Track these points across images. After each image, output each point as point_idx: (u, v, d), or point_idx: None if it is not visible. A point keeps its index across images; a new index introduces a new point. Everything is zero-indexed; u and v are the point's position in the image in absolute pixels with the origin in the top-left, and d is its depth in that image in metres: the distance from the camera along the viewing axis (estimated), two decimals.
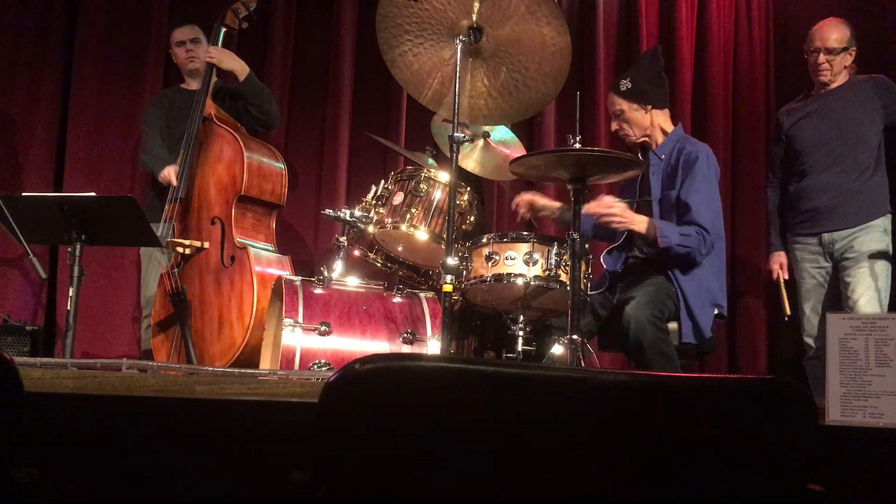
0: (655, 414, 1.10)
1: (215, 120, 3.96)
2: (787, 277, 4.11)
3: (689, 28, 5.17)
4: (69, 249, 3.18)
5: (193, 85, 4.27)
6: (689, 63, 5.12)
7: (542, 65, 2.99)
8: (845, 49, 3.98)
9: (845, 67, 4.02)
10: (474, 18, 2.87)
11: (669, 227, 3.26)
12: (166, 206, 3.86)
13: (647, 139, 3.57)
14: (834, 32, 3.98)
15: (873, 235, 3.85)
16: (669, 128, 3.57)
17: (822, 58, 3.98)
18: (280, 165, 3.99)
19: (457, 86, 2.78)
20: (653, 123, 3.54)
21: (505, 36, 2.93)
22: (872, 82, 3.99)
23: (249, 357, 3.53)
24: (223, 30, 4.15)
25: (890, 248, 3.87)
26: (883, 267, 3.82)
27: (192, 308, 3.77)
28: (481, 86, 3.09)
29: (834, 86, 4.02)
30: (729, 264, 5.05)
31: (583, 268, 2.94)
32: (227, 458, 1.87)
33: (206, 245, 3.78)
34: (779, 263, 4.13)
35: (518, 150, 3.76)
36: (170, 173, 3.91)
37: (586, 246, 2.97)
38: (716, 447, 1.11)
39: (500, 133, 3.76)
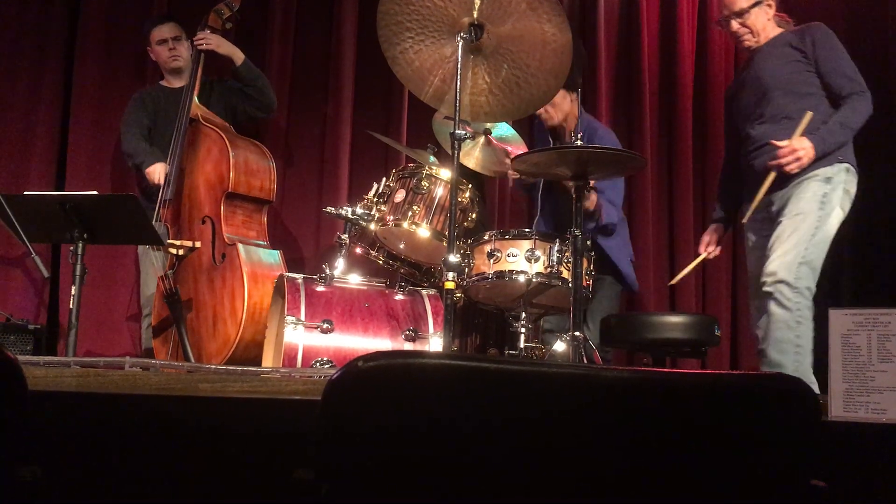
0: (658, 410, 1.10)
1: (202, 121, 4.00)
2: (710, 255, 3.77)
3: (690, 26, 5.16)
4: (71, 248, 3.18)
5: (176, 83, 4.29)
6: (690, 61, 5.12)
7: (543, 62, 2.98)
8: (756, 4, 3.51)
9: (769, 20, 3.55)
10: (475, 15, 2.87)
11: (608, 206, 3.72)
12: (157, 209, 3.87)
13: (564, 123, 3.84)
14: None
15: (810, 184, 3.31)
16: (576, 110, 3.76)
17: (734, 25, 3.55)
18: (268, 162, 4.02)
19: (458, 83, 2.78)
20: (570, 108, 3.81)
21: (506, 33, 2.92)
22: (801, 31, 3.50)
23: (244, 353, 3.55)
24: (207, 31, 4.17)
25: (832, 200, 3.31)
26: (812, 218, 3.28)
27: (187, 307, 3.79)
28: (482, 83, 3.08)
29: (762, 43, 3.56)
30: (731, 262, 5.06)
31: (585, 264, 2.94)
32: (231, 456, 1.87)
33: (198, 245, 3.80)
34: (707, 240, 3.76)
35: (520, 147, 3.75)
36: (157, 171, 3.92)
37: (588, 242, 2.97)
38: (719, 443, 1.11)
39: (502, 130, 3.76)
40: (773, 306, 3.18)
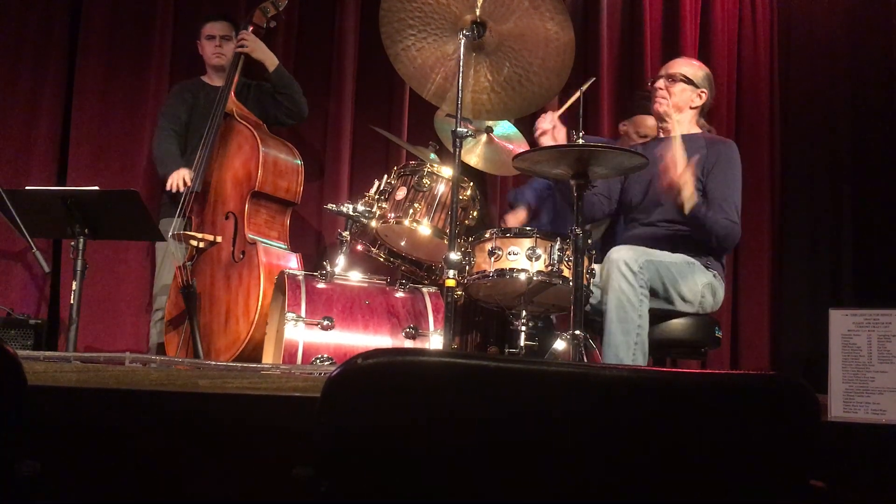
0: (657, 410, 1.10)
1: (236, 116, 4.00)
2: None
3: (693, 23, 5.16)
4: (72, 243, 3.19)
5: (216, 80, 4.31)
6: (692, 57, 5.11)
7: (545, 60, 2.98)
8: (688, 81, 3.53)
9: (690, 109, 3.55)
10: (478, 13, 2.87)
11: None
12: (183, 200, 3.88)
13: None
14: (685, 66, 3.59)
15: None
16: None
17: (660, 82, 3.55)
18: (297, 162, 4.03)
19: (460, 80, 2.78)
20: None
21: (508, 31, 2.92)
22: (713, 141, 3.50)
23: (253, 352, 3.55)
24: (250, 28, 4.19)
25: (705, 281, 3.32)
26: (682, 260, 3.31)
27: (201, 302, 3.79)
28: (484, 81, 3.08)
29: (673, 127, 3.51)
30: (732, 260, 5.06)
31: (586, 263, 2.93)
32: (230, 453, 1.87)
33: (219, 239, 3.81)
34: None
35: (521, 145, 3.75)
36: (177, 179, 3.92)
37: (589, 241, 2.97)
38: (718, 443, 1.11)
39: (504, 128, 3.76)
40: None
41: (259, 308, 3.58)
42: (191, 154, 4.07)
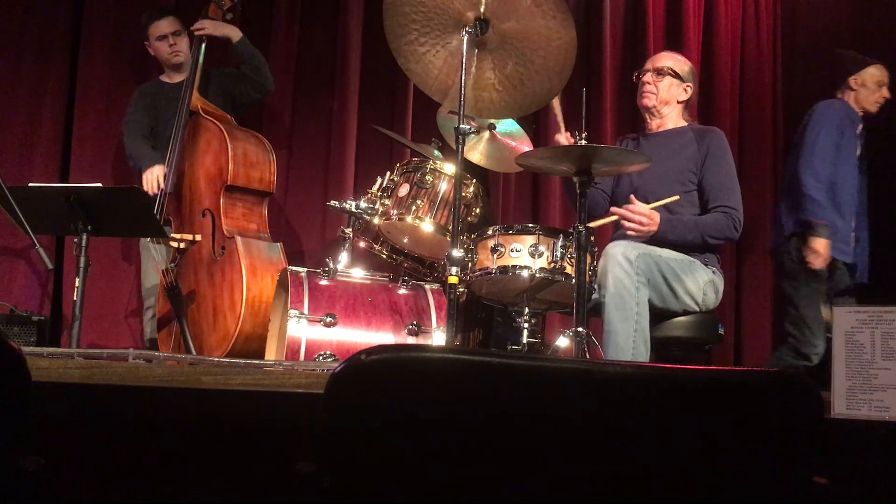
0: (661, 406, 1.10)
1: (202, 113, 4.00)
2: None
3: (696, 20, 5.14)
4: (75, 240, 3.19)
5: (176, 78, 4.29)
6: (696, 56, 5.10)
7: (547, 59, 2.98)
8: (675, 76, 3.58)
9: (678, 104, 3.62)
10: (481, 10, 2.86)
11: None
12: (158, 203, 3.87)
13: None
14: (671, 60, 3.65)
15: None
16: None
17: (648, 76, 3.61)
18: (267, 153, 4.03)
19: (462, 77, 2.77)
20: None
21: (511, 29, 2.92)
22: (702, 133, 3.56)
23: (244, 346, 3.55)
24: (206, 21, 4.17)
25: (706, 279, 3.38)
26: (683, 259, 3.38)
27: (188, 301, 3.80)
28: (486, 79, 3.07)
29: (662, 118, 3.63)
30: (734, 257, 5.06)
31: (588, 260, 2.93)
32: (233, 449, 1.88)
33: (199, 238, 3.81)
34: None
35: (524, 143, 3.75)
36: (152, 175, 3.90)
37: (591, 238, 2.97)
38: (721, 439, 1.11)
39: (507, 125, 3.76)
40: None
41: (244, 301, 3.59)
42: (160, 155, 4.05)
